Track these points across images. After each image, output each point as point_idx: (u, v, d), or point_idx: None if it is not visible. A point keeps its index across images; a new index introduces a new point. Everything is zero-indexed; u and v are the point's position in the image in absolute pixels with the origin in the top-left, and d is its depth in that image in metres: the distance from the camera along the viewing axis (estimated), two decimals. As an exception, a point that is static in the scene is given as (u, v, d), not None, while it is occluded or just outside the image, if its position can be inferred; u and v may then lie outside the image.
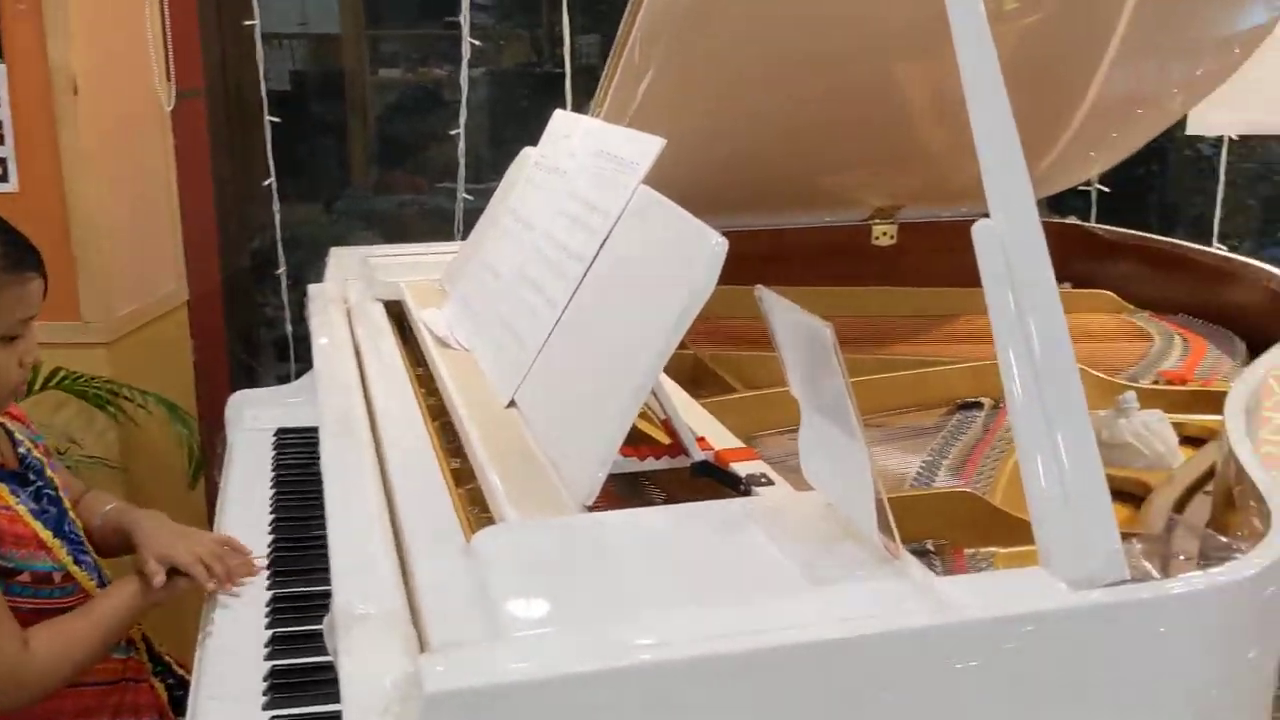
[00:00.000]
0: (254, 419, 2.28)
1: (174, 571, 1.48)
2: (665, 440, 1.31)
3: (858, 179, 2.44)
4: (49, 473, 1.53)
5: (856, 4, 1.84)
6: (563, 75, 2.60)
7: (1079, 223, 2.64)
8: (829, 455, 1.00)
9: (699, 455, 1.24)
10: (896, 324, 2.24)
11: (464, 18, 2.57)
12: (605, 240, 1.38)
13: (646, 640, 0.81)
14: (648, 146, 1.40)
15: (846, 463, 0.95)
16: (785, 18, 1.83)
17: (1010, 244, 1.00)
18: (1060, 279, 2.87)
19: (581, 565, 0.96)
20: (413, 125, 3.46)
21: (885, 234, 2.58)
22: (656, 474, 1.28)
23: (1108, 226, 2.55)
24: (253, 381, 2.61)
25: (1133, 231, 2.46)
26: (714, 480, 1.22)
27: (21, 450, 1.50)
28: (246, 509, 1.88)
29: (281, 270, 2.72)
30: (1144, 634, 0.90)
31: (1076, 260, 2.57)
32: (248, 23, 2.55)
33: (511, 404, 1.40)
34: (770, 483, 1.18)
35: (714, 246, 1.10)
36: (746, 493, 1.17)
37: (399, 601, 0.99)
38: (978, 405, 1.79)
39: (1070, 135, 2.47)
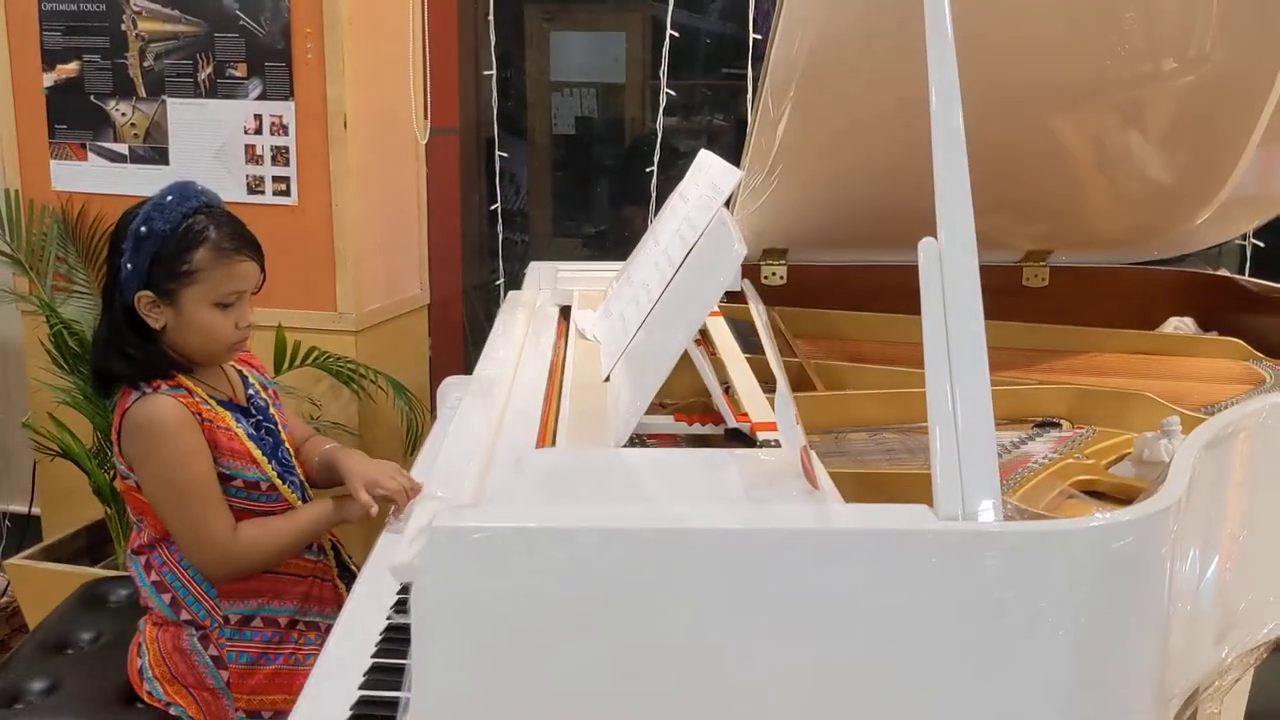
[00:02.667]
0: (456, 400, 2.72)
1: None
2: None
3: (1001, 223, 2.63)
4: (272, 411, 1.97)
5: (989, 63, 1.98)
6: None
7: (1229, 275, 2.72)
8: (779, 411, 1.29)
9: (732, 424, 1.55)
10: (1026, 355, 2.41)
11: (663, 70, 2.95)
12: (690, 250, 1.70)
13: (588, 514, 1.13)
14: (731, 177, 1.72)
15: (783, 416, 1.24)
16: (908, 58, 2.02)
17: (946, 260, 1.24)
18: (1207, 327, 2.94)
19: (587, 475, 1.29)
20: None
21: (1036, 276, 2.75)
22: (710, 437, 1.60)
23: (1257, 280, 2.62)
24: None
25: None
26: (739, 443, 1.53)
27: (251, 391, 1.95)
28: (429, 467, 2.32)
29: (500, 281, 3.19)
30: (998, 567, 1.12)
31: (1225, 311, 2.66)
32: (486, 73, 3.03)
33: (608, 379, 1.75)
34: (779, 446, 1.47)
35: (734, 251, 1.41)
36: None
37: (467, 494, 1.35)
38: (1055, 424, 1.98)
39: (1226, 191, 2.57)
